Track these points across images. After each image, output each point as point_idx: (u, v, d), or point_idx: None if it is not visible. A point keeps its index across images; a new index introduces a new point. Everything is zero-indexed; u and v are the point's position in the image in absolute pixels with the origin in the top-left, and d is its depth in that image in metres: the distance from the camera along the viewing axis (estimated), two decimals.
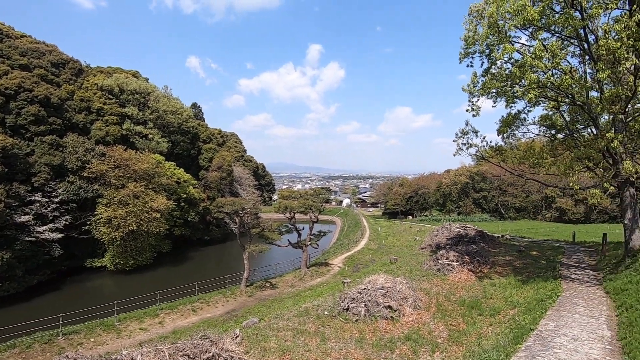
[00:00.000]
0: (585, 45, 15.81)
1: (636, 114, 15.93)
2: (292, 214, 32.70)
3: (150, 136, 49.57)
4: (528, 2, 14.67)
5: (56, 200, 34.97)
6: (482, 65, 18.63)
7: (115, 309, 21.16)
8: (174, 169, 50.24)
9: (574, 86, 14.95)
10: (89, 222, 37.85)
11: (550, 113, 19.05)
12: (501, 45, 15.88)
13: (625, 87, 13.83)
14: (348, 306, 13.67)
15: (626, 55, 12.78)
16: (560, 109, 18.35)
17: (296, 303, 18.92)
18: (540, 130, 20.40)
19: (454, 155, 20.43)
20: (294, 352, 10.33)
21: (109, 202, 37.54)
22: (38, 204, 33.18)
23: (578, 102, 15.87)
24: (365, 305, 13.46)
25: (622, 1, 14.32)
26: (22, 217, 31.39)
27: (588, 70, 17.04)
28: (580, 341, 9.23)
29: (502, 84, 16.83)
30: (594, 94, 16.09)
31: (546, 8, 14.94)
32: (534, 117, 20.38)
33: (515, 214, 66.63)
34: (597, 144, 14.84)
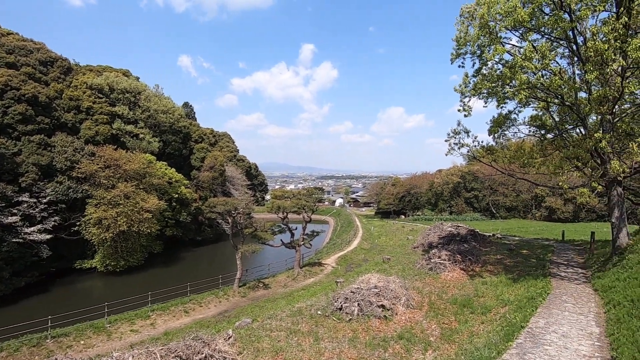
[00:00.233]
0: (574, 47, 16.08)
1: (623, 115, 16.26)
2: (285, 213, 32.64)
3: (141, 136, 49.00)
4: (518, 3, 14.86)
5: (44, 200, 34.35)
6: (473, 65, 18.83)
7: (106, 310, 20.88)
8: (166, 169, 49.76)
9: (563, 87, 15.18)
10: (78, 223, 37.27)
11: (540, 113, 19.32)
12: (492, 46, 16.07)
13: (613, 88, 14.10)
14: (341, 306, 13.69)
15: (613, 57, 13.02)
16: (550, 110, 18.63)
17: (289, 303, 18.87)
18: (530, 131, 20.69)
19: (446, 154, 20.62)
20: (287, 352, 10.31)
21: (99, 202, 37.02)
22: (26, 205, 32.55)
23: (567, 103, 16.11)
24: (358, 304, 13.50)
25: (609, 3, 14.58)
26: (9, 218, 30.76)
27: (577, 72, 17.34)
28: (569, 338, 9.38)
29: (493, 84, 17.03)
30: (582, 94, 16.36)
31: (536, 10, 15.15)
32: (524, 118, 20.79)
33: (506, 213, 67.49)
34: (586, 144, 15.09)
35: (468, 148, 20.21)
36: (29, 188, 33.73)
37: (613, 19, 13.64)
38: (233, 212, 28.77)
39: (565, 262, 20.17)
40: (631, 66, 13.39)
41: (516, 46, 17.54)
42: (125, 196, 37.80)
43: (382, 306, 13.58)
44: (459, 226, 36.59)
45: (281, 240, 33.11)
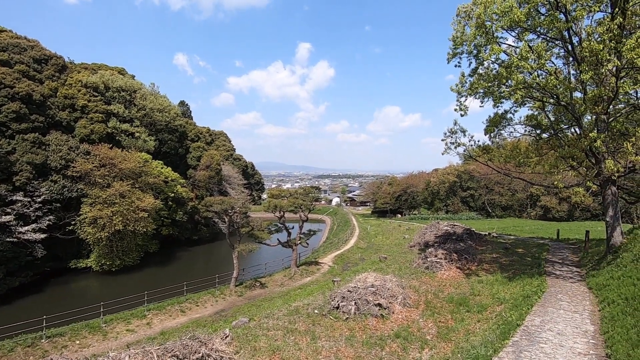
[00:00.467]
0: (570, 47, 16.19)
1: (617, 115, 16.41)
2: (282, 213, 32.62)
3: (137, 134, 48.69)
4: (514, 3, 14.92)
5: (39, 199, 34.03)
6: (469, 65, 18.88)
7: (102, 310, 20.76)
8: (162, 168, 49.52)
9: (558, 87, 15.29)
10: (73, 222, 36.98)
11: (536, 113, 19.43)
12: (488, 46, 16.13)
13: (608, 88, 14.23)
14: (338, 305, 13.71)
15: (608, 57, 13.13)
16: (545, 109, 18.76)
17: (286, 302, 18.86)
18: (526, 130, 20.81)
19: (443, 154, 20.69)
20: (285, 351, 10.32)
21: (94, 201, 36.76)
22: (20, 204, 32.25)
23: (562, 103, 16.22)
24: (355, 303, 13.53)
25: (604, 4, 14.69)
26: (3, 217, 30.47)
27: (572, 72, 17.44)
28: (565, 336, 9.46)
29: (489, 84, 17.08)
30: (577, 94, 16.48)
31: (532, 10, 15.23)
32: (520, 117, 20.89)
33: (502, 212, 67.90)
34: (581, 143, 15.22)
35: (464, 147, 20.30)
36: (23, 187, 33.42)
37: (608, 19, 13.77)
38: (230, 211, 28.69)
39: (560, 261, 20.33)
40: (626, 66, 13.50)
41: (512, 46, 17.63)
42: (121, 195, 37.58)
43: (379, 305, 13.62)
44: (455, 225, 36.75)
45: (278, 239, 33.08)
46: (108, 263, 37.21)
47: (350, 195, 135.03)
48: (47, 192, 35.15)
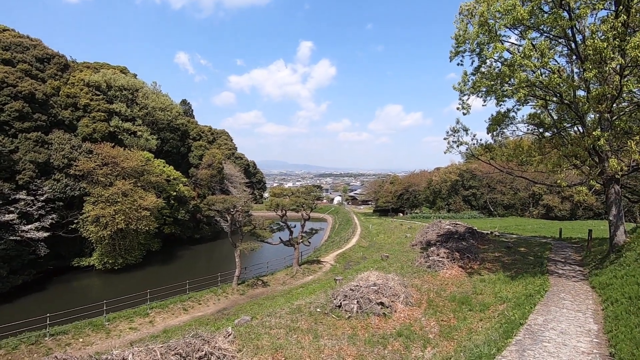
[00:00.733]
0: (573, 45, 16.09)
1: (621, 113, 16.31)
2: (284, 211, 32.65)
3: (139, 133, 48.79)
4: (518, 1, 14.85)
5: (42, 198, 34.18)
6: (472, 63, 18.79)
7: (104, 308, 20.85)
8: (164, 167, 49.60)
9: (561, 85, 15.22)
10: (76, 221, 37.13)
11: (539, 111, 19.36)
12: (491, 44, 16.06)
13: (611, 86, 14.14)
14: (340, 303, 13.72)
15: (612, 55, 13.05)
16: (548, 108, 18.68)
17: (288, 301, 18.90)
18: (528, 129, 20.75)
19: (445, 152, 20.65)
20: (287, 349, 10.33)
21: (97, 200, 36.89)
22: (23, 203, 32.38)
23: (565, 101, 16.15)
24: (357, 302, 13.53)
25: (608, 2, 14.60)
26: (6, 215, 30.62)
27: (575, 70, 17.38)
28: (568, 335, 9.44)
29: (492, 82, 17.02)
30: (581, 93, 16.40)
31: (535, 8, 15.14)
32: (523, 116, 20.81)
33: (504, 211, 67.74)
34: (584, 142, 15.15)
35: (467, 146, 20.25)
36: (26, 186, 33.55)
37: (612, 17, 13.67)
38: (232, 210, 28.74)
39: (562, 260, 20.28)
40: (630, 64, 13.43)
41: (515, 44, 17.55)
42: (123, 194, 37.69)
43: (381, 303, 13.62)
44: (457, 224, 36.69)
45: (280, 238, 33.12)
46: (111, 261, 37.35)
47: (351, 194, 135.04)
48: (50, 190, 35.29)
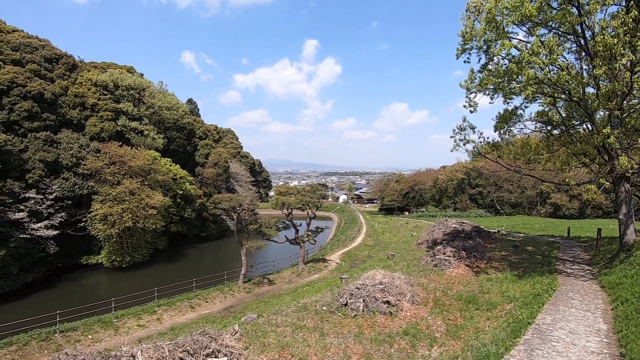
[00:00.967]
0: (582, 42, 15.88)
1: (632, 110, 16.07)
2: (290, 210, 32.70)
3: (146, 132, 49.16)
4: None
5: (51, 197, 34.62)
6: (479, 61, 18.64)
7: (113, 305, 21.08)
8: (170, 165, 49.94)
9: (570, 82, 15.02)
10: (84, 219, 37.56)
11: (547, 109, 19.15)
12: (499, 41, 15.92)
13: (622, 83, 13.93)
14: (346, 302, 13.73)
15: (622, 52, 12.86)
16: (557, 105, 18.45)
17: (294, 299, 18.96)
18: (536, 126, 20.52)
19: (451, 151, 20.52)
20: (294, 347, 10.36)
21: (105, 198, 37.26)
22: (32, 201, 32.83)
23: (574, 98, 15.95)
24: (363, 300, 13.53)
25: None
26: (17, 214, 31.06)
27: (584, 67, 17.13)
28: (577, 334, 9.35)
29: (500, 80, 16.87)
30: (590, 90, 16.18)
31: (544, 4, 14.96)
32: (531, 113, 20.58)
33: (511, 210, 67.14)
34: (593, 140, 14.96)
35: (474, 144, 20.11)
36: (35, 184, 34.00)
37: (623, 12, 13.47)
38: (238, 209, 28.86)
39: (571, 259, 20.07)
40: None
41: (523, 41, 17.36)
42: (131, 192, 38.03)
43: (388, 302, 13.61)
44: (463, 222, 36.49)
45: (285, 236, 33.20)
46: (118, 259, 37.75)
47: (357, 192, 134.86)
48: (59, 189, 35.72)
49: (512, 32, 16.65)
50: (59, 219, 34.63)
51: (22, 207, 31.87)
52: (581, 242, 26.68)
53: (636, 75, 13.65)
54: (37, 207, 33.12)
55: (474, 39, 17.72)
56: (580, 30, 15.61)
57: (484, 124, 20.73)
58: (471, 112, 19.00)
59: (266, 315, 13.76)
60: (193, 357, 9.11)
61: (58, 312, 18.79)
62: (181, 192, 49.41)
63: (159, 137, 50.99)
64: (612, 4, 14.18)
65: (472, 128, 19.81)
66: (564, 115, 18.92)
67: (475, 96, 18.66)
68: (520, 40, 17.47)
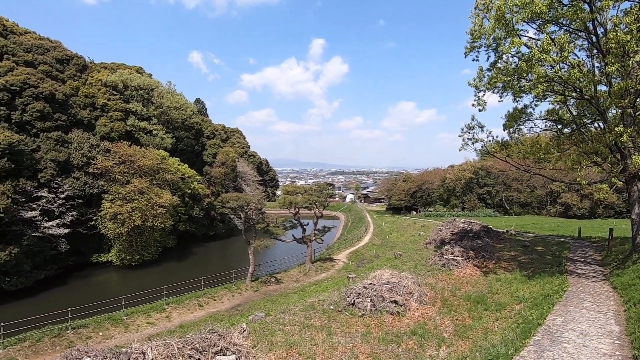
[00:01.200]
0: (594, 39, 15.62)
1: None
2: (297, 209, 32.77)
3: (155, 132, 49.66)
4: None
5: (62, 196, 35.19)
6: (488, 59, 18.44)
7: (123, 303, 21.37)
8: (179, 165, 50.38)
9: (582, 80, 14.80)
10: (94, 218, 38.12)
11: (557, 107, 18.88)
12: (508, 39, 15.72)
13: (635, 80, 13.66)
14: (354, 301, 13.72)
15: (636, 48, 12.62)
16: (568, 104, 18.18)
17: (301, 298, 19.00)
18: (546, 125, 20.24)
19: (460, 150, 20.35)
20: (301, 346, 10.40)
21: (115, 197, 37.77)
22: (44, 200, 33.41)
23: (586, 96, 15.70)
24: (371, 300, 13.51)
25: None
26: (29, 212, 31.65)
27: (596, 64, 16.84)
28: (588, 336, 9.22)
29: (509, 78, 16.68)
30: (602, 87, 15.91)
31: (554, 1, 14.75)
32: (541, 112, 20.28)
33: (520, 209, 66.34)
34: (605, 138, 14.71)
35: (482, 143, 19.91)
36: (47, 183, 34.59)
37: (636, 8, 13.22)
38: (245, 208, 29.01)
39: (582, 259, 19.78)
40: None
41: (533, 38, 17.13)
42: (140, 192, 38.48)
43: (395, 302, 13.57)
44: (471, 222, 36.19)
45: (293, 235, 33.28)
46: (128, 257, 38.24)
47: (364, 191, 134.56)
48: (70, 188, 36.30)
49: (521, 30, 16.45)
50: (70, 217, 35.20)
51: (35, 206, 32.46)
52: (592, 243, 26.28)
53: None
54: (49, 206, 33.70)
55: (483, 36, 17.53)
56: (591, 27, 15.35)
57: (493, 122, 20.53)
58: (480, 110, 18.83)
59: (274, 314, 13.82)
60: (202, 354, 9.20)
61: (70, 309, 19.10)
62: (189, 191, 49.83)
63: (168, 137, 51.48)
64: (624, 0, 13.93)
65: (481, 127, 19.62)
66: (574, 113, 18.63)
67: (484, 95, 18.48)
68: (530, 37, 17.25)
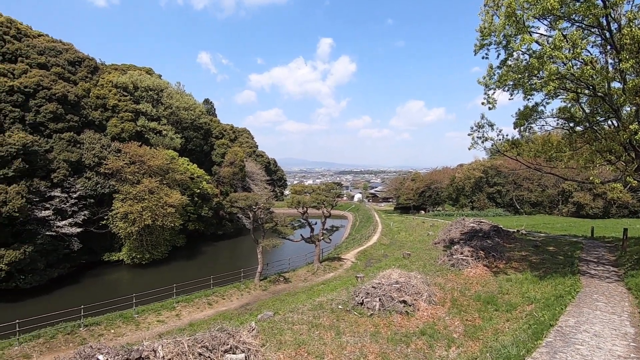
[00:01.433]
0: (607, 35, 15.27)
1: None
2: (305, 208, 32.81)
3: (164, 132, 50.23)
4: None
5: (75, 195, 35.84)
6: (498, 56, 18.20)
7: (134, 301, 21.67)
8: (188, 165, 50.88)
9: (595, 77, 14.50)
10: (106, 217, 38.73)
11: (569, 105, 18.54)
12: (519, 36, 15.49)
13: None
14: (362, 300, 13.69)
15: None
16: (580, 101, 17.83)
17: (310, 297, 19.04)
18: (558, 123, 19.89)
19: (469, 149, 20.11)
20: (310, 345, 10.42)
21: (125, 197, 38.32)
22: (58, 199, 34.07)
23: (599, 94, 15.38)
24: (379, 299, 13.47)
25: None
26: (43, 212, 32.30)
27: (610, 61, 16.48)
28: (602, 338, 9.05)
29: (520, 75, 16.43)
30: (616, 84, 15.56)
31: None
32: (552, 110, 19.85)
33: (531, 209, 65.40)
34: (619, 136, 14.39)
35: (492, 142, 19.67)
36: (60, 183, 35.26)
37: None
38: (254, 207, 29.16)
39: (595, 260, 19.42)
40: None
41: (545, 35, 16.84)
42: (150, 191, 38.97)
43: (404, 302, 13.50)
44: (481, 222, 35.81)
45: (301, 235, 33.34)
46: (138, 256, 38.77)
47: (372, 191, 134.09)
48: (82, 188, 36.94)
49: (532, 27, 16.17)
50: (82, 216, 35.84)
51: (48, 206, 33.11)
52: (606, 243, 25.78)
53: None
54: (62, 206, 34.34)
55: (493, 34, 17.31)
56: (605, 23, 15.03)
57: (503, 121, 20.33)
58: (490, 109, 18.57)
59: (282, 313, 13.87)
60: (212, 352, 9.28)
61: (82, 307, 19.45)
62: (198, 191, 50.28)
63: (177, 137, 52.01)
64: None
65: (491, 125, 19.37)
66: (587, 111, 18.27)
67: (494, 93, 18.24)
68: (542, 34, 16.96)
